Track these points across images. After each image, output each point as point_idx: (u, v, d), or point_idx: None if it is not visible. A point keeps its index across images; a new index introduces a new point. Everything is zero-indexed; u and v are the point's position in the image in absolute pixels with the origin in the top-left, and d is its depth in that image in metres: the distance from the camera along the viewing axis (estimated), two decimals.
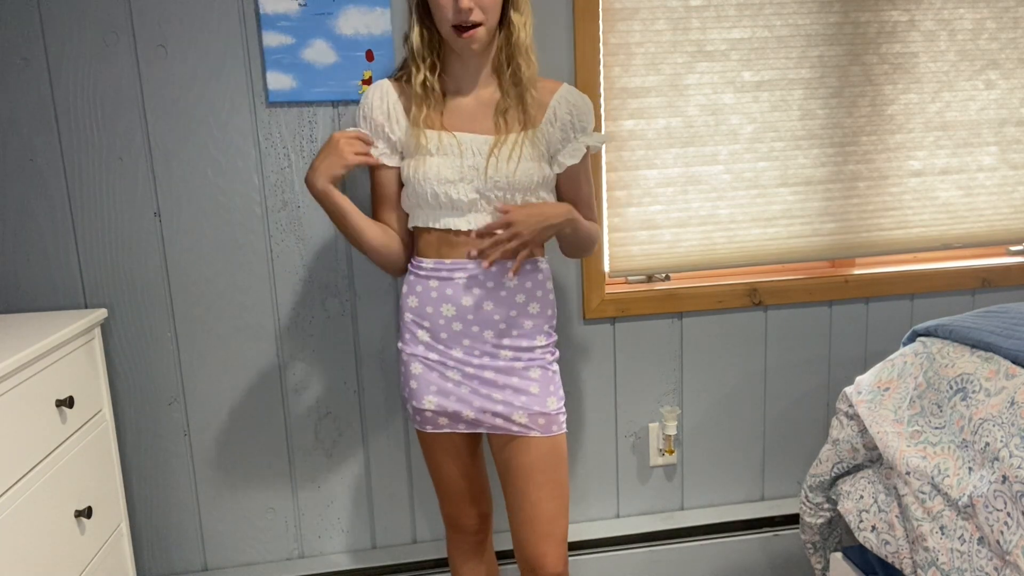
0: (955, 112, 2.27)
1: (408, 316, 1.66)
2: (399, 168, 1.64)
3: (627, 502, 2.30)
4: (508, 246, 1.52)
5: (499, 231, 1.53)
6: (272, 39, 1.89)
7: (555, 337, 1.69)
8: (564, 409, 1.67)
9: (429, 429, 1.68)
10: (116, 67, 1.87)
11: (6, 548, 1.45)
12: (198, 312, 2.00)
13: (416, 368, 1.65)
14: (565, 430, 1.67)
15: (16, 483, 1.50)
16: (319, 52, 1.91)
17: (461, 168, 1.57)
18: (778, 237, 2.25)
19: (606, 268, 2.18)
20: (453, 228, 1.59)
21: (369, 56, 1.92)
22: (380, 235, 1.64)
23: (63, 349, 1.71)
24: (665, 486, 2.31)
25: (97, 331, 1.89)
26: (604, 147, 2.10)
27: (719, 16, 2.10)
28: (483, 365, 1.63)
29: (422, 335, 1.64)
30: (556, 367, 1.69)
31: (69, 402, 1.68)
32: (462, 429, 1.67)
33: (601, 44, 2.06)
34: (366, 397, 2.11)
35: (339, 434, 2.11)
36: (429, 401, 1.64)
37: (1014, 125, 2.31)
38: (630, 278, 2.23)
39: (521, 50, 1.58)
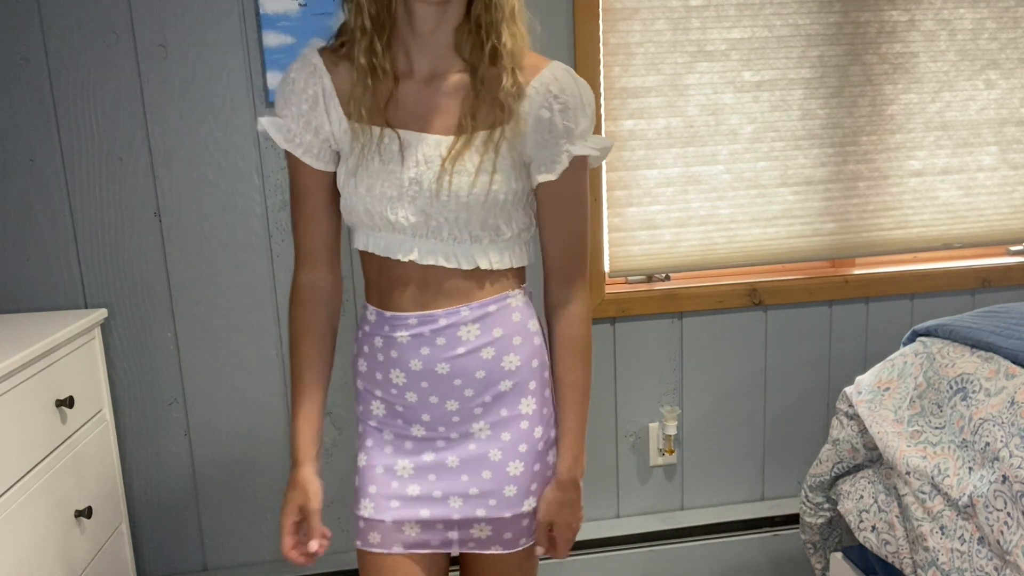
0: (955, 112, 2.27)
1: (359, 384, 1.30)
2: (327, 172, 1.19)
3: (627, 502, 2.30)
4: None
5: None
6: (272, 39, 1.89)
7: (549, 400, 1.27)
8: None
9: (376, 550, 1.28)
10: (116, 67, 1.87)
11: (6, 548, 1.45)
12: (198, 312, 2.00)
13: (362, 458, 1.28)
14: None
15: (16, 483, 1.50)
16: None
17: (401, 180, 1.13)
18: (778, 237, 2.25)
19: (606, 268, 2.18)
20: (392, 257, 1.17)
21: None
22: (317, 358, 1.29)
23: (63, 349, 1.71)
24: (665, 486, 2.31)
25: (97, 331, 1.89)
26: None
27: (719, 16, 2.10)
28: (448, 446, 1.23)
29: (376, 408, 1.27)
30: (553, 448, 1.28)
31: (69, 402, 1.68)
32: (397, 551, 1.26)
33: (601, 44, 2.06)
34: None
35: (339, 434, 2.11)
36: (374, 504, 1.25)
37: (1014, 125, 2.31)
38: (630, 278, 2.23)
39: (504, 15, 1.11)
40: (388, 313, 1.20)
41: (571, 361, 1.25)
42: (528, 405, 1.23)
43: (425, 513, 1.23)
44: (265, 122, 1.18)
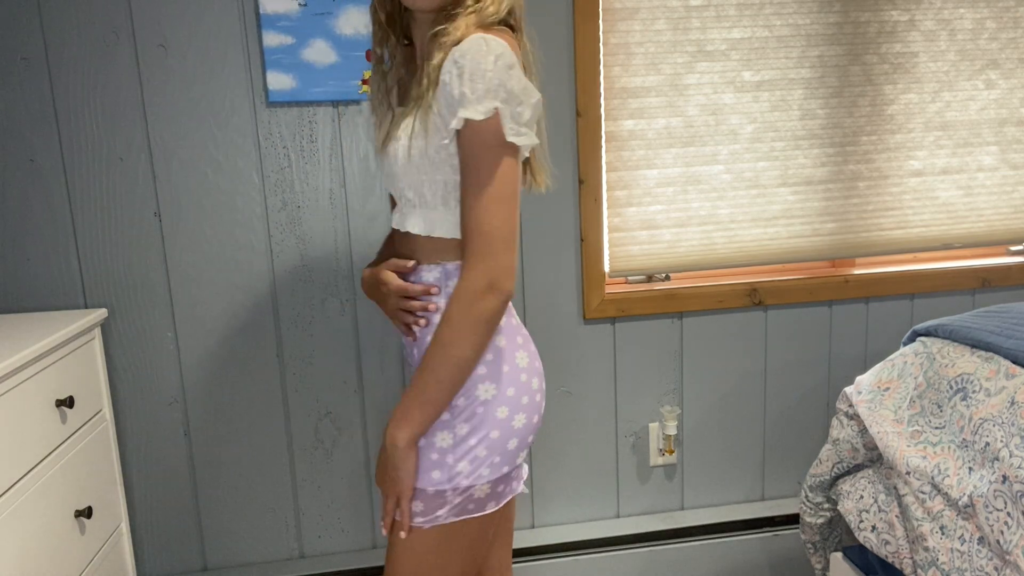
0: (955, 112, 2.27)
1: None
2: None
3: (627, 502, 2.30)
4: (386, 508, 1.25)
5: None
6: (272, 39, 1.89)
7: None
8: (448, 490, 1.23)
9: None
10: (116, 67, 1.87)
11: (6, 548, 1.45)
12: (198, 312, 2.00)
13: None
14: (434, 521, 1.25)
15: (16, 483, 1.50)
16: (319, 52, 1.91)
17: (384, 151, 1.31)
18: (778, 237, 2.25)
19: (606, 268, 2.18)
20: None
21: (369, 56, 1.92)
22: None
23: (63, 349, 1.71)
24: (665, 486, 2.31)
25: (97, 331, 1.89)
26: (605, 146, 2.10)
27: (719, 16, 2.10)
28: None
29: None
30: (463, 424, 1.25)
31: (69, 402, 1.68)
32: None
33: (601, 44, 2.06)
34: (366, 397, 2.10)
35: (339, 434, 2.11)
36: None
37: (1014, 125, 2.31)
38: (630, 278, 2.23)
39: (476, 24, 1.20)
40: None
41: (434, 334, 1.21)
42: None
43: None
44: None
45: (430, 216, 1.25)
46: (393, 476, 1.22)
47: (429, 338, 1.24)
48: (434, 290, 1.26)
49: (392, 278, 1.29)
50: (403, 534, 1.24)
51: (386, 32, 1.30)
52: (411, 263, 1.27)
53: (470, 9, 1.19)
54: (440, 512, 1.24)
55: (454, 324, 1.18)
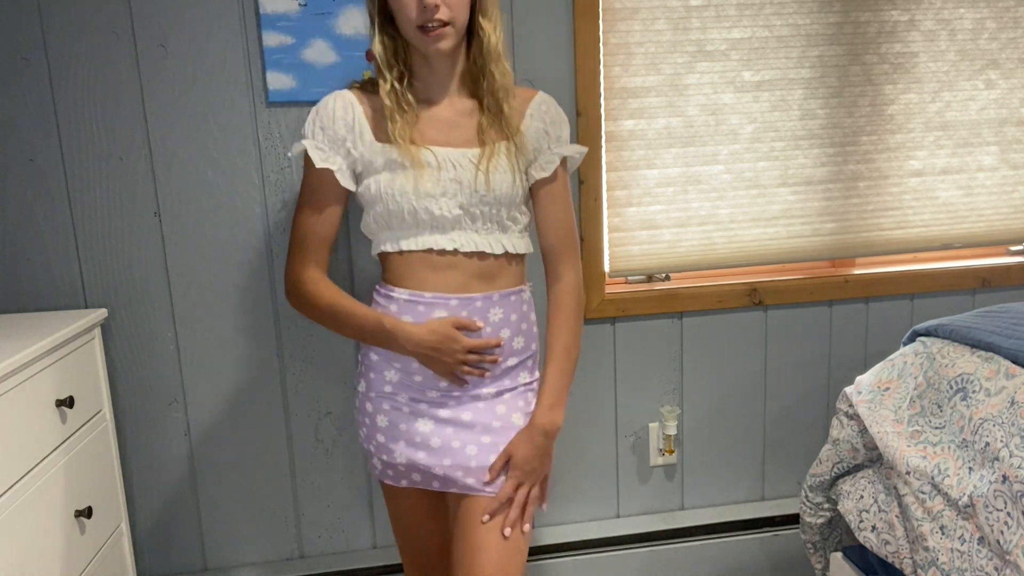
0: (955, 112, 2.27)
1: (374, 357, 1.52)
2: (349, 191, 1.49)
3: (627, 502, 2.30)
4: (530, 497, 1.48)
5: (511, 496, 1.47)
6: (272, 39, 1.89)
7: (537, 374, 1.58)
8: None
9: (404, 483, 1.56)
10: (116, 67, 1.87)
11: (6, 548, 1.45)
12: (198, 312, 2.00)
13: (382, 420, 1.52)
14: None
15: (16, 483, 1.50)
16: (319, 52, 1.91)
17: (441, 181, 1.43)
18: (778, 237, 2.25)
19: (606, 268, 2.18)
20: (436, 248, 1.45)
21: (369, 56, 1.92)
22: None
23: (63, 349, 1.71)
24: (665, 486, 2.31)
25: (97, 331, 1.89)
26: (604, 164, 2.10)
27: (719, 16, 2.10)
28: (460, 406, 1.50)
29: (391, 375, 1.51)
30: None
31: (69, 402, 1.68)
32: (436, 487, 1.52)
33: (601, 44, 2.06)
34: None
35: (339, 434, 2.11)
36: (401, 454, 1.51)
37: (1014, 125, 2.31)
38: (630, 278, 2.23)
39: (493, 57, 1.46)
40: (429, 294, 1.46)
41: (559, 324, 1.54)
42: (525, 378, 1.55)
43: (447, 461, 1.48)
44: (307, 144, 1.47)
45: (522, 237, 1.53)
46: (545, 461, 1.50)
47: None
48: (502, 340, 1.49)
49: (461, 336, 1.45)
50: (545, 507, 1.55)
51: (393, 82, 1.45)
52: (480, 324, 1.47)
53: (490, 55, 1.46)
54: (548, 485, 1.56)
55: (578, 313, 1.55)
